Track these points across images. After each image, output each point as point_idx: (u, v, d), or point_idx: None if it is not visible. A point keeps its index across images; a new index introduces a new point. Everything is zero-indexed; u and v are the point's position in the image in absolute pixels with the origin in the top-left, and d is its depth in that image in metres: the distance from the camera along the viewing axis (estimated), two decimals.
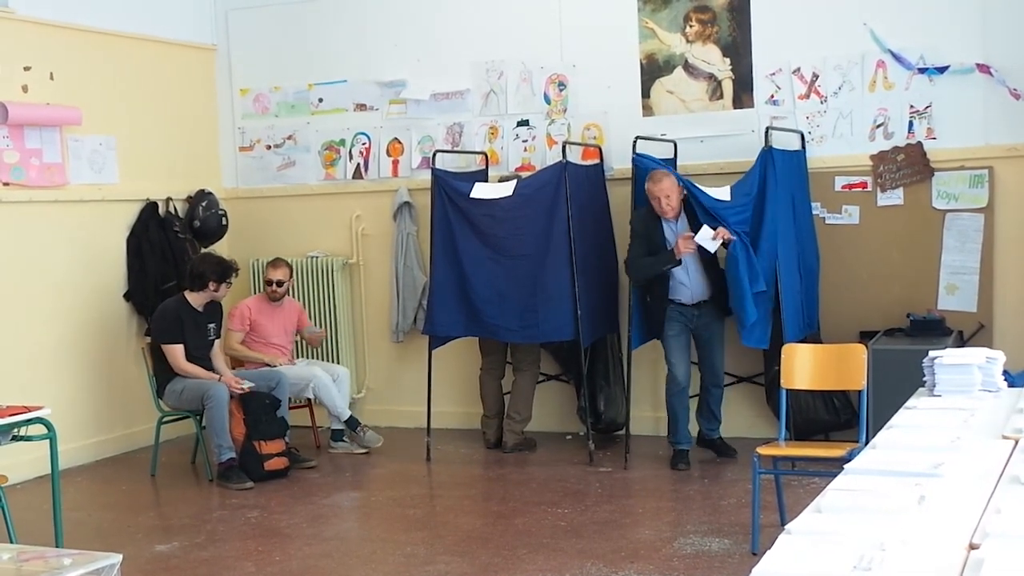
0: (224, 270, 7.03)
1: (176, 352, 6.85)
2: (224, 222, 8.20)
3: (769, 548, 2.31)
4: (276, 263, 7.59)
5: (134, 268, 7.77)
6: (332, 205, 8.34)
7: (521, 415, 7.31)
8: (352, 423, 7.39)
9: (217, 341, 7.12)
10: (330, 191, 8.38)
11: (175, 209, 8.04)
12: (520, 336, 7.08)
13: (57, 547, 5.39)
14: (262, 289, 7.71)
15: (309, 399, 7.55)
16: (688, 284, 6.61)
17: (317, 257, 8.26)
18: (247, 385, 6.87)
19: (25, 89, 7.11)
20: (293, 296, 7.86)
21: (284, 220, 8.46)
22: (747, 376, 7.26)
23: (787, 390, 5.35)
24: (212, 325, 7.05)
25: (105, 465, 7.44)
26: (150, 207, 7.87)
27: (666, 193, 6.47)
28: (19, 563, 2.34)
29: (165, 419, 7.12)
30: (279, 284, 7.48)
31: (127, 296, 7.77)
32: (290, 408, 7.59)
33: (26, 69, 7.13)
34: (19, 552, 2.39)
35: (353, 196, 8.29)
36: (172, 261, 7.85)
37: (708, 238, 6.37)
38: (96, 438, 7.50)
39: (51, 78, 7.28)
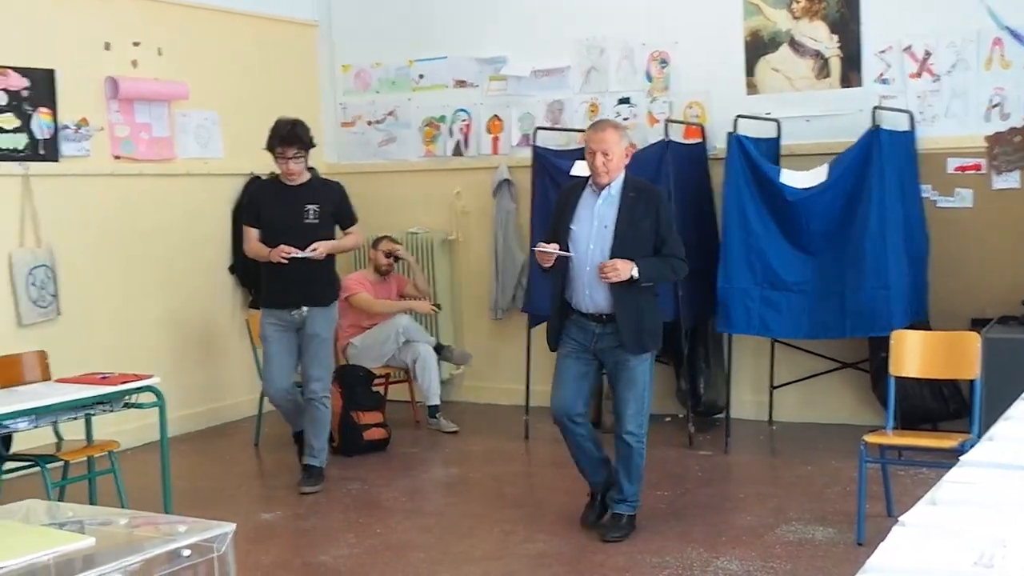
0: (274, 131, 6.06)
1: (247, 235, 6.22)
2: None
3: (875, 539, 2.25)
4: (383, 238, 7.71)
5: (239, 241, 7.87)
6: (432, 182, 8.36)
7: None
8: (433, 410, 7.45)
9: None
10: (430, 168, 8.40)
11: None
12: None
13: (166, 513, 5.53)
14: (367, 264, 7.79)
15: (408, 373, 7.60)
16: (583, 285, 4.98)
17: (417, 233, 8.30)
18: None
19: (135, 64, 7.25)
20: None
21: (385, 196, 8.50)
22: (852, 362, 7.12)
23: (895, 378, 5.23)
24: (313, 207, 6.07)
25: (209, 434, 7.58)
26: (254, 181, 7.97)
27: (605, 147, 4.92)
28: (133, 528, 2.38)
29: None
30: (387, 256, 7.59)
31: (231, 269, 7.91)
32: (389, 383, 7.69)
33: (135, 45, 7.27)
34: (133, 518, 2.43)
35: (453, 173, 8.31)
36: None
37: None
38: (200, 407, 7.65)
39: (159, 54, 7.41)
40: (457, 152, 8.33)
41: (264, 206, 6.08)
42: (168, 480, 5.54)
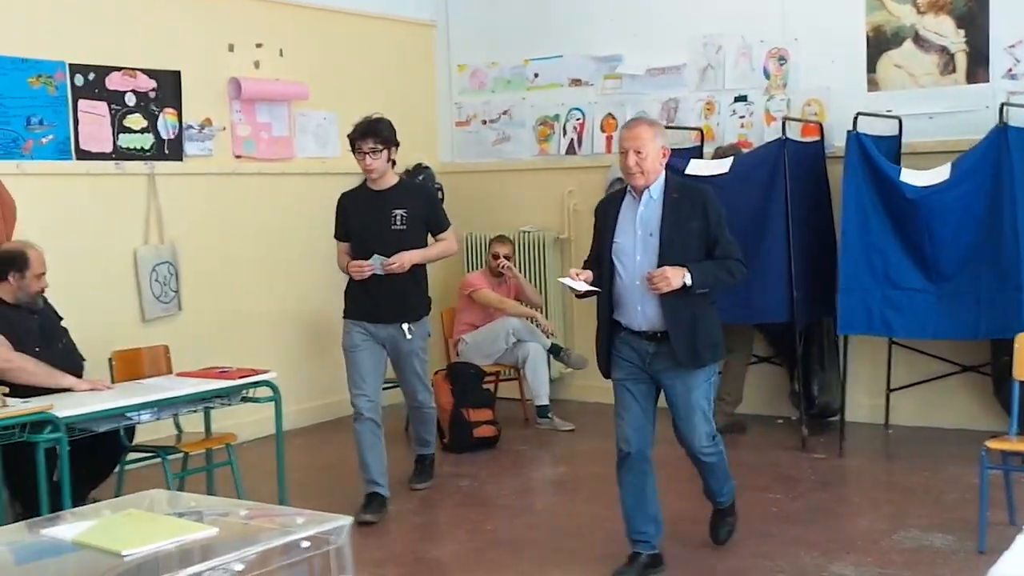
0: (354, 127, 5.78)
1: (337, 250, 5.99)
2: (440, 195, 8.34)
3: (998, 547, 2.18)
4: (501, 239, 7.76)
5: None
6: (545, 180, 8.38)
7: (732, 396, 7.18)
8: (543, 410, 7.44)
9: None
10: (543, 166, 8.42)
11: None
12: (732, 316, 6.92)
13: (281, 505, 5.64)
14: (484, 264, 7.84)
15: (518, 371, 7.63)
16: (634, 300, 4.48)
17: (529, 232, 8.32)
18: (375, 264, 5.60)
19: (257, 65, 7.42)
20: None
21: (498, 194, 8.55)
22: (972, 365, 6.91)
23: (1020, 382, 5.06)
24: (400, 212, 5.68)
25: (323, 429, 7.71)
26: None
27: (638, 145, 4.41)
28: (252, 519, 2.43)
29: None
30: (504, 258, 7.61)
31: None
32: (499, 381, 7.73)
33: (258, 46, 7.43)
34: (252, 509, 2.48)
35: (566, 172, 8.31)
36: None
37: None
38: (315, 402, 7.79)
39: (281, 55, 7.56)
40: (570, 151, 8.33)
41: (350, 215, 5.75)
42: (283, 473, 5.66)
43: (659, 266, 4.37)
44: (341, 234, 5.82)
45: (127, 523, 2.13)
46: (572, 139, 8.32)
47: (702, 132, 7.63)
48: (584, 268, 4.57)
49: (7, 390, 4.66)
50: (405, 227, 5.67)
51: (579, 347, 8.12)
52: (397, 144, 5.78)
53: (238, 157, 7.30)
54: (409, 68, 8.58)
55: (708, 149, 7.51)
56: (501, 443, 7.00)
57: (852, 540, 5.03)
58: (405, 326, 5.68)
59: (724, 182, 6.79)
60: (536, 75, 8.43)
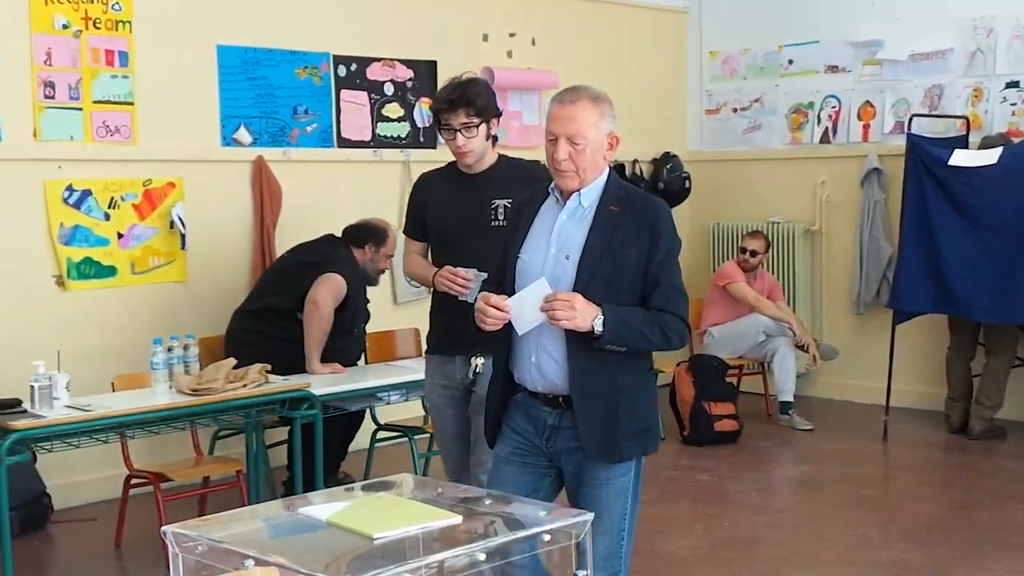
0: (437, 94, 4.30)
1: (406, 251, 5.05)
2: (687, 185, 8.28)
3: None
4: (754, 234, 7.64)
5: None
6: (796, 170, 8.16)
7: (991, 400, 6.81)
8: (785, 407, 7.26)
9: None
10: (795, 156, 8.20)
11: (641, 171, 8.22)
12: (995, 316, 6.59)
13: None
14: (735, 255, 7.73)
15: (763, 365, 7.50)
16: (527, 346, 3.15)
17: (778, 223, 8.14)
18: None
19: (510, 55, 7.55)
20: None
21: (746, 184, 8.40)
22: None
23: None
24: (502, 202, 3.96)
25: None
26: (618, 168, 8.10)
27: (573, 130, 3.04)
28: (495, 509, 2.47)
29: None
30: (752, 254, 7.48)
31: None
32: (743, 375, 7.60)
33: (511, 35, 7.56)
34: (496, 499, 2.52)
35: (819, 161, 8.07)
36: None
37: (531, 302, 3.02)
38: None
39: (532, 44, 7.67)
40: (824, 140, 8.08)
41: (431, 206, 4.10)
42: None
43: None
44: (415, 230, 4.20)
45: (378, 506, 2.23)
46: (827, 127, 8.07)
47: (968, 121, 7.24)
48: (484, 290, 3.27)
49: (269, 367, 4.94)
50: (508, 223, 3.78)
51: (828, 338, 7.90)
52: (498, 114, 4.10)
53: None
54: (659, 55, 8.53)
55: (974, 139, 7.12)
56: (742, 438, 6.88)
57: None
58: (480, 361, 3.90)
59: (992, 173, 6.47)
60: (790, 61, 8.21)
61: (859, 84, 7.89)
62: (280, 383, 4.89)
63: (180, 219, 5.95)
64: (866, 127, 7.86)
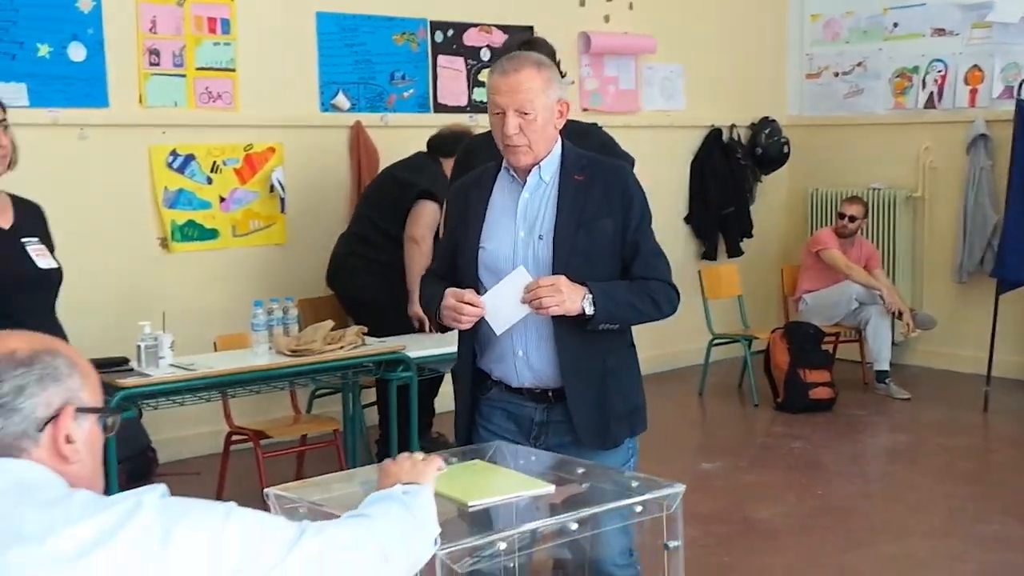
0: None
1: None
2: (786, 150, 8.17)
3: None
4: (853, 199, 7.51)
5: (696, 193, 8.00)
6: (899, 136, 8.00)
7: None
8: (881, 376, 7.15)
9: None
10: (898, 121, 8.03)
11: (739, 136, 8.14)
12: None
13: None
14: (833, 221, 7.62)
15: (859, 333, 7.40)
16: (511, 340, 2.90)
17: (878, 189, 7.99)
18: None
19: (607, 19, 7.51)
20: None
21: (846, 149, 8.25)
22: None
23: None
24: None
25: (657, 379, 7.75)
26: (715, 133, 8.03)
27: (521, 100, 2.82)
28: (587, 479, 2.50)
29: (716, 341, 7.32)
30: (851, 219, 7.36)
31: (687, 219, 8.04)
32: (839, 342, 7.52)
33: (608, 0, 7.51)
34: (588, 468, 2.54)
35: (923, 127, 7.89)
36: (732, 187, 7.98)
37: (510, 295, 2.79)
38: (649, 352, 7.80)
39: (630, 8, 7.61)
40: (929, 105, 7.89)
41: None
42: None
43: None
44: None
45: (473, 474, 2.28)
46: (932, 92, 7.87)
47: None
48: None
49: (366, 329, 5.03)
50: None
51: (928, 306, 7.76)
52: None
53: (585, 110, 7.43)
54: (759, 19, 8.40)
55: None
56: (837, 406, 6.81)
57: None
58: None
59: None
60: (895, 24, 8.02)
61: (967, 48, 7.67)
62: (376, 345, 4.98)
63: (280, 183, 6.07)
64: (973, 92, 7.66)
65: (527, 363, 2.88)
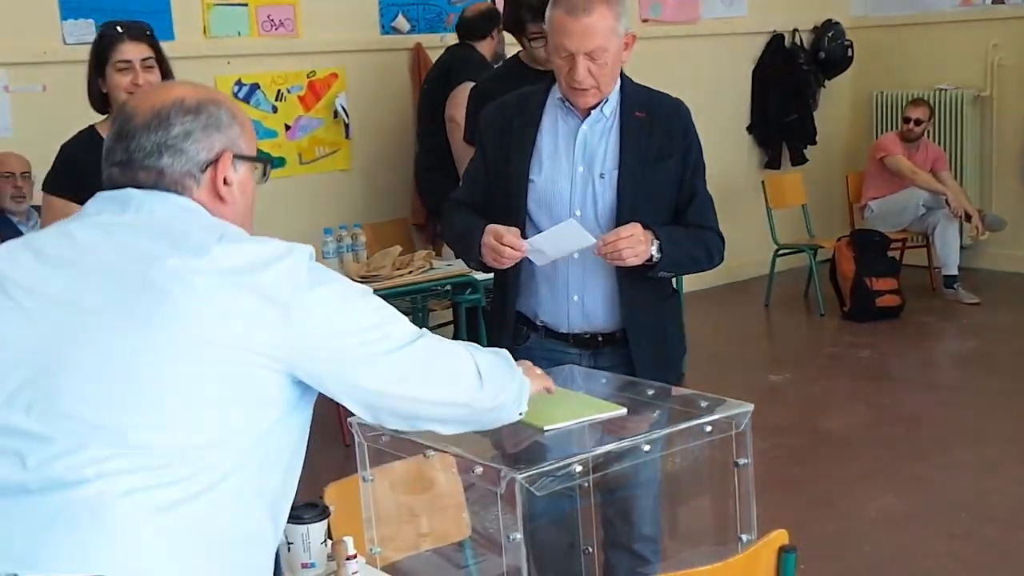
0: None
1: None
2: (849, 53, 8.04)
3: None
4: (916, 102, 7.38)
5: (758, 101, 7.92)
6: (967, 34, 7.82)
7: None
8: (949, 280, 7.09)
9: None
10: (965, 18, 7.84)
11: (801, 40, 8.00)
12: None
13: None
14: (898, 126, 7.51)
15: (927, 238, 7.34)
16: (567, 284, 2.79)
17: (946, 90, 7.84)
18: None
19: None
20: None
21: (912, 50, 8.09)
22: None
23: None
24: None
25: (722, 292, 7.80)
26: (777, 39, 7.91)
27: (592, 45, 2.64)
28: (658, 399, 2.55)
29: (781, 252, 7.31)
30: (917, 123, 7.25)
31: (749, 129, 7.97)
32: (906, 248, 7.47)
33: None
34: (658, 390, 2.57)
35: (991, 24, 7.71)
36: (795, 94, 7.89)
37: (555, 243, 2.66)
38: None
39: None
40: (998, 0, 7.70)
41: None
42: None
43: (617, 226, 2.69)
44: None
45: (546, 397, 2.34)
46: None
47: None
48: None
49: (434, 252, 5.11)
50: None
51: (998, 208, 7.67)
52: None
53: (645, 21, 7.36)
54: None
55: None
56: (905, 314, 6.78)
57: None
58: None
59: None
60: None
61: None
62: (444, 269, 5.06)
63: (343, 109, 6.13)
64: None
65: (581, 308, 2.78)
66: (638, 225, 2.64)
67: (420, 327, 1.89)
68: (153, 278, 1.63)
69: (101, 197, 1.78)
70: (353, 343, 1.74)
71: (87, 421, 1.59)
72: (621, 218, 2.70)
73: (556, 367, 2.65)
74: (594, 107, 2.75)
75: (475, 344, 2.00)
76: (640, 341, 2.79)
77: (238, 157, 1.80)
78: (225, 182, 1.78)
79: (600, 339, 2.81)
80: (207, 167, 1.77)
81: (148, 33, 3.23)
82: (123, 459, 1.58)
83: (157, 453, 1.60)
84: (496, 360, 1.99)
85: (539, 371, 2.24)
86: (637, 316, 2.78)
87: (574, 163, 2.75)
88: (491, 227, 2.68)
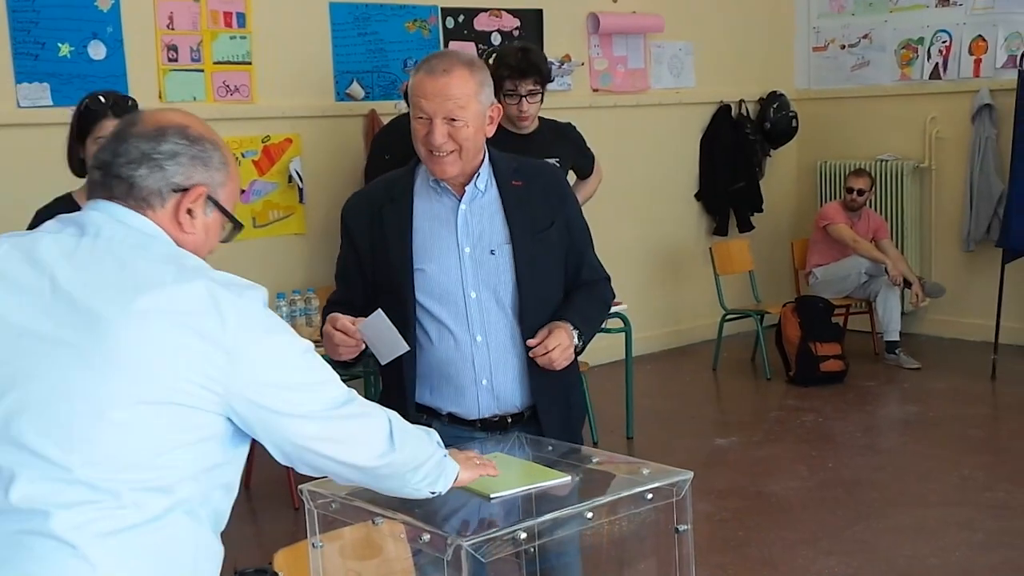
0: (499, 60, 4.83)
1: None
2: (794, 124, 8.25)
3: None
4: (858, 172, 7.59)
5: (706, 169, 8.10)
6: (906, 107, 8.07)
7: None
8: (891, 346, 7.26)
9: None
10: (904, 92, 8.11)
11: (747, 111, 8.21)
12: None
13: (628, 430, 5.93)
14: (842, 195, 7.70)
15: (870, 304, 7.51)
16: (473, 370, 2.70)
17: (887, 160, 8.08)
18: None
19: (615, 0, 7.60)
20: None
21: (854, 122, 8.33)
22: None
23: None
24: (554, 161, 4.25)
25: (670, 355, 7.92)
26: (724, 109, 8.11)
27: (451, 107, 2.56)
28: (602, 467, 2.63)
29: (728, 316, 7.45)
30: (859, 193, 7.45)
31: (697, 196, 8.14)
32: (849, 314, 7.63)
33: None
34: (603, 458, 2.67)
35: (929, 97, 7.97)
36: (742, 162, 8.07)
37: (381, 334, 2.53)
38: (662, 329, 7.99)
39: None
40: (935, 75, 7.96)
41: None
42: (631, 403, 5.92)
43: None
44: None
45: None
46: (937, 63, 7.94)
47: None
48: (330, 311, 2.73)
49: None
50: None
51: (937, 275, 7.87)
52: (551, 79, 4.73)
53: (595, 91, 7.53)
54: None
55: None
56: (848, 378, 6.93)
57: None
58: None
59: None
60: None
61: (971, 18, 7.73)
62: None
63: (298, 173, 6.20)
64: (977, 62, 7.73)
65: (491, 391, 2.69)
66: (562, 330, 2.64)
67: (374, 393, 1.97)
68: (101, 312, 1.68)
69: (63, 219, 1.83)
70: (288, 398, 1.82)
71: (37, 453, 1.66)
72: (522, 292, 2.66)
73: (505, 435, 2.73)
74: (467, 183, 2.67)
75: (405, 424, 2.05)
76: (550, 413, 2.75)
77: (212, 200, 1.85)
78: (190, 213, 1.83)
79: (509, 419, 2.74)
80: (177, 191, 1.81)
81: (132, 107, 3.27)
82: (72, 492, 1.65)
83: (103, 488, 1.67)
84: (418, 434, 2.07)
85: (480, 460, 2.30)
86: (545, 390, 2.73)
87: (459, 244, 2.67)
88: (331, 315, 2.62)
